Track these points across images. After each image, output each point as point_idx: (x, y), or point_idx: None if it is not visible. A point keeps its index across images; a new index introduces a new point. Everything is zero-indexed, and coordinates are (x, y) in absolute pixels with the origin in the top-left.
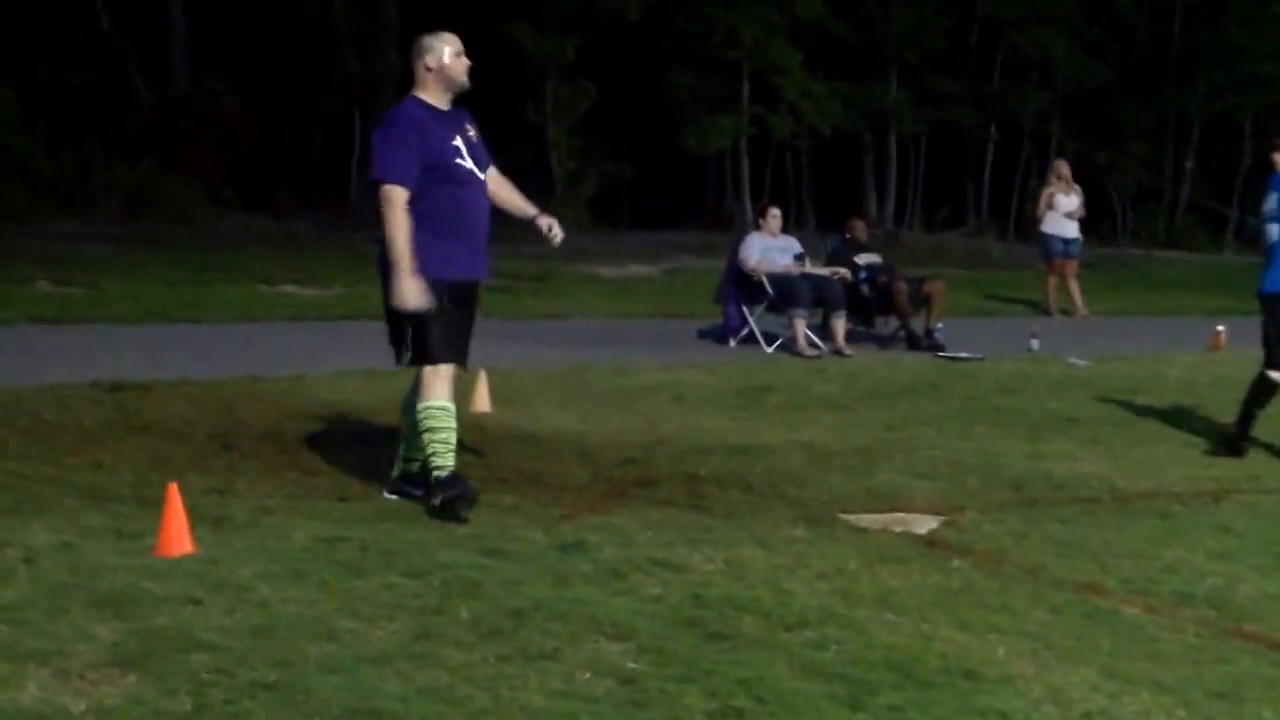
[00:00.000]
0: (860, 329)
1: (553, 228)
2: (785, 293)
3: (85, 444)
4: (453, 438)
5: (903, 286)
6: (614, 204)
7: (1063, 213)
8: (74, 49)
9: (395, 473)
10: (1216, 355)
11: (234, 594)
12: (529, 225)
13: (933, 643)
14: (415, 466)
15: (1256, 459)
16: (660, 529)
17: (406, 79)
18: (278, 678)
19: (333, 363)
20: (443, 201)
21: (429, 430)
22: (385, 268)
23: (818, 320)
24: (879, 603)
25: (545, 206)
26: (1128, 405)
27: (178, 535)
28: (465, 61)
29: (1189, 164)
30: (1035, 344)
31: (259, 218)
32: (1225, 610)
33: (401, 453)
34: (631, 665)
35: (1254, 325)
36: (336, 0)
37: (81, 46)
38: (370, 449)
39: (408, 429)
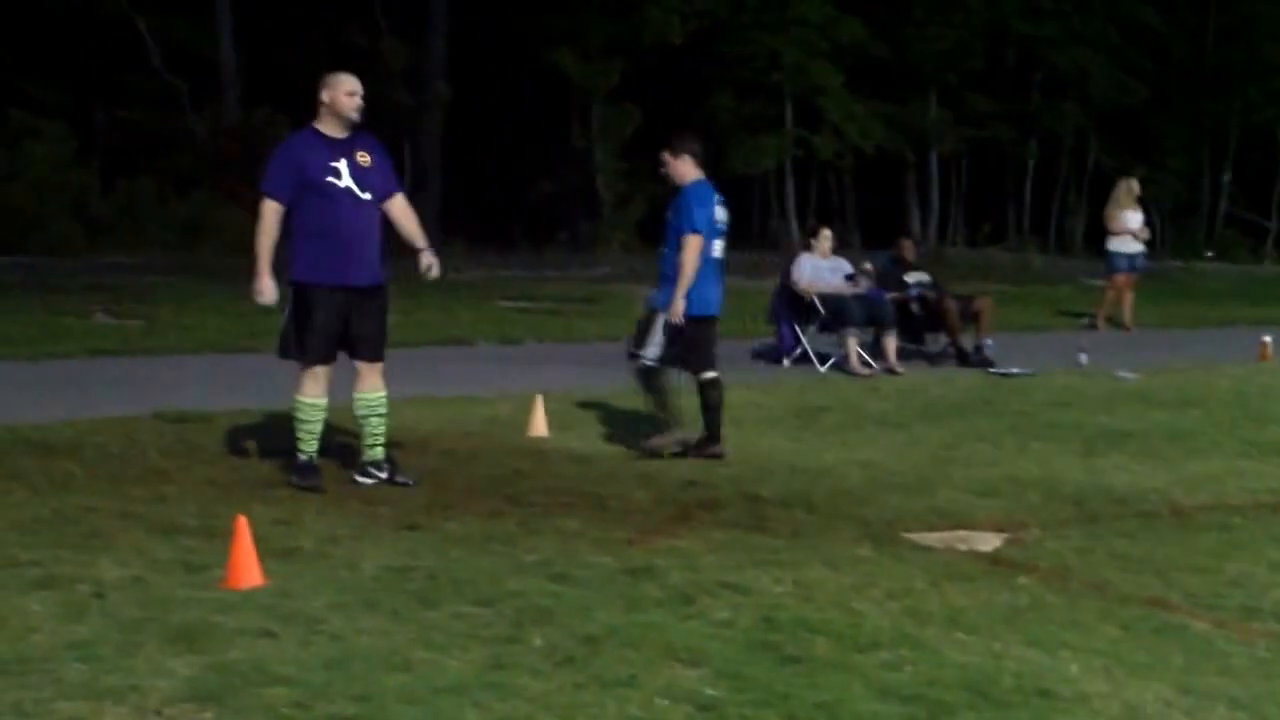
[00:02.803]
0: (910, 347)
1: (431, 268)
2: (837, 312)
3: (150, 476)
4: (318, 429)
5: (951, 304)
6: (661, 226)
7: (1130, 229)
8: (126, 85)
9: (363, 458)
10: (1265, 365)
11: (307, 626)
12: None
13: (1005, 661)
14: (379, 453)
15: None
16: (726, 551)
17: (455, 109)
18: (356, 711)
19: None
20: (314, 215)
21: (298, 421)
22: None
23: (869, 339)
24: (949, 622)
25: (594, 228)
26: (1179, 417)
27: (247, 567)
28: (356, 101)
29: (1226, 177)
30: (1084, 358)
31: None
32: None
33: (364, 442)
34: (709, 691)
35: None
36: (385, 33)
37: (134, 82)
38: (433, 476)
39: (360, 419)
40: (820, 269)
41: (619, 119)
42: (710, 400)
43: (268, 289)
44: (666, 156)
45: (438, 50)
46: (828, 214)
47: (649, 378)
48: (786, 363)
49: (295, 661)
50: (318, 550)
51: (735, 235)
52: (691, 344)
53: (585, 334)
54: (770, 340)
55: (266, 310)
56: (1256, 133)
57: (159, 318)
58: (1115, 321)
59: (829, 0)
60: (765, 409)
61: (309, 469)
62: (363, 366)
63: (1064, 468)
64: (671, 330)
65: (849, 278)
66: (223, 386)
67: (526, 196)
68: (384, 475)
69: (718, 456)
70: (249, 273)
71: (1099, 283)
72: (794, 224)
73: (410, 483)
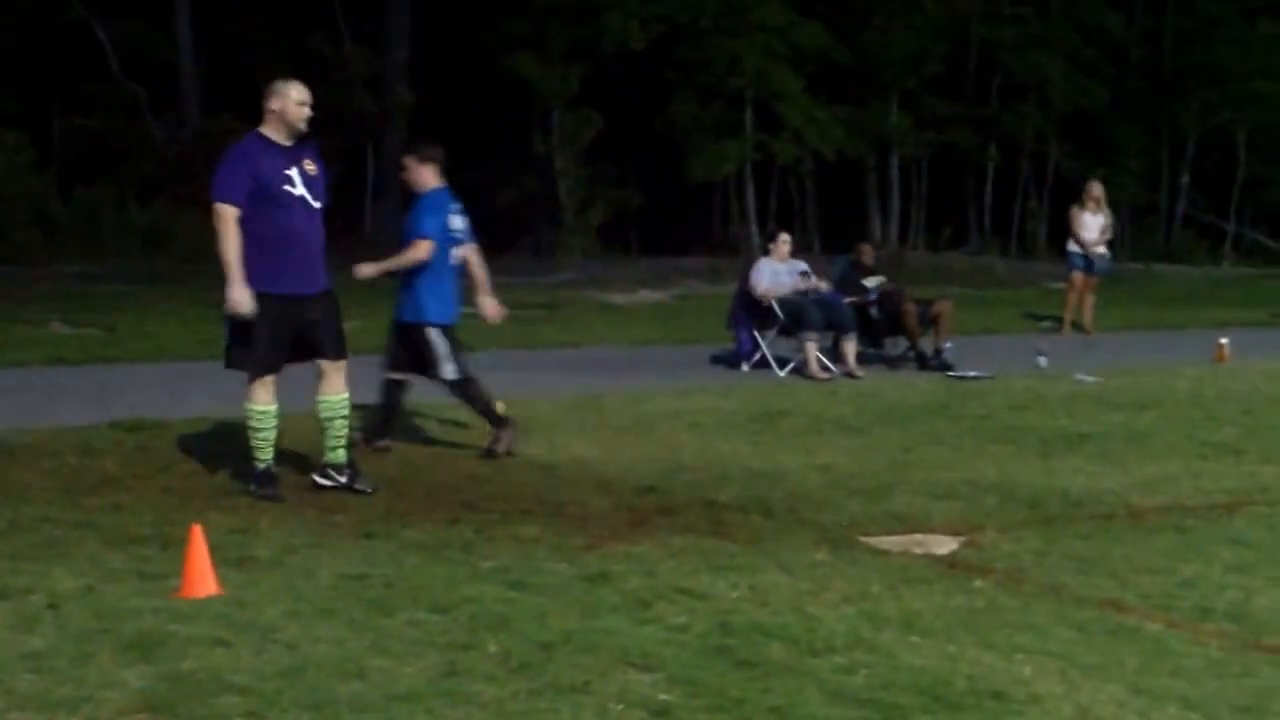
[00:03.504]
0: (870, 351)
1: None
2: (796, 317)
3: (106, 485)
4: (272, 436)
5: (911, 308)
6: (622, 231)
7: (1090, 232)
8: (85, 92)
9: (324, 460)
10: (1221, 367)
11: (262, 635)
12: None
13: (959, 664)
14: (341, 455)
15: (1264, 470)
16: (683, 557)
17: (418, 114)
18: (310, 719)
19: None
20: (269, 223)
21: (251, 429)
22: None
23: (828, 343)
24: (904, 625)
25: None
26: (1137, 420)
27: (202, 576)
28: (305, 110)
29: (1185, 180)
30: (1043, 361)
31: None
32: (1245, 623)
33: (327, 444)
34: (663, 697)
35: (1256, 337)
36: (347, 39)
37: (92, 89)
38: (391, 484)
39: (324, 421)
40: (779, 273)
41: (579, 125)
42: (469, 393)
43: (245, 298)
44: (410, 162)
45: (399, 56)
46: (788, 219)
47: (465, 389)
48: (745, 367)
49: (249, 670)
50: (274, 559)
51: (696, 240)
52: (423, 349)
53: (546, 340)
54: (730, 345)
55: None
56: (1215, 135)
57: (118, 326)
58: (1076, 324)
59: (789, 5)
60: (724, 414)
61: (267, 477)
62: (327, 366)
63: (1021, 470)
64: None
65: (803, 274)
66: (181, 395)
67: (487, 203)
68: (344, 479)
69: (505, 450)
70: (212, 281)
71: (1062, 286)
72: (754, 229)
73: (369, 490)
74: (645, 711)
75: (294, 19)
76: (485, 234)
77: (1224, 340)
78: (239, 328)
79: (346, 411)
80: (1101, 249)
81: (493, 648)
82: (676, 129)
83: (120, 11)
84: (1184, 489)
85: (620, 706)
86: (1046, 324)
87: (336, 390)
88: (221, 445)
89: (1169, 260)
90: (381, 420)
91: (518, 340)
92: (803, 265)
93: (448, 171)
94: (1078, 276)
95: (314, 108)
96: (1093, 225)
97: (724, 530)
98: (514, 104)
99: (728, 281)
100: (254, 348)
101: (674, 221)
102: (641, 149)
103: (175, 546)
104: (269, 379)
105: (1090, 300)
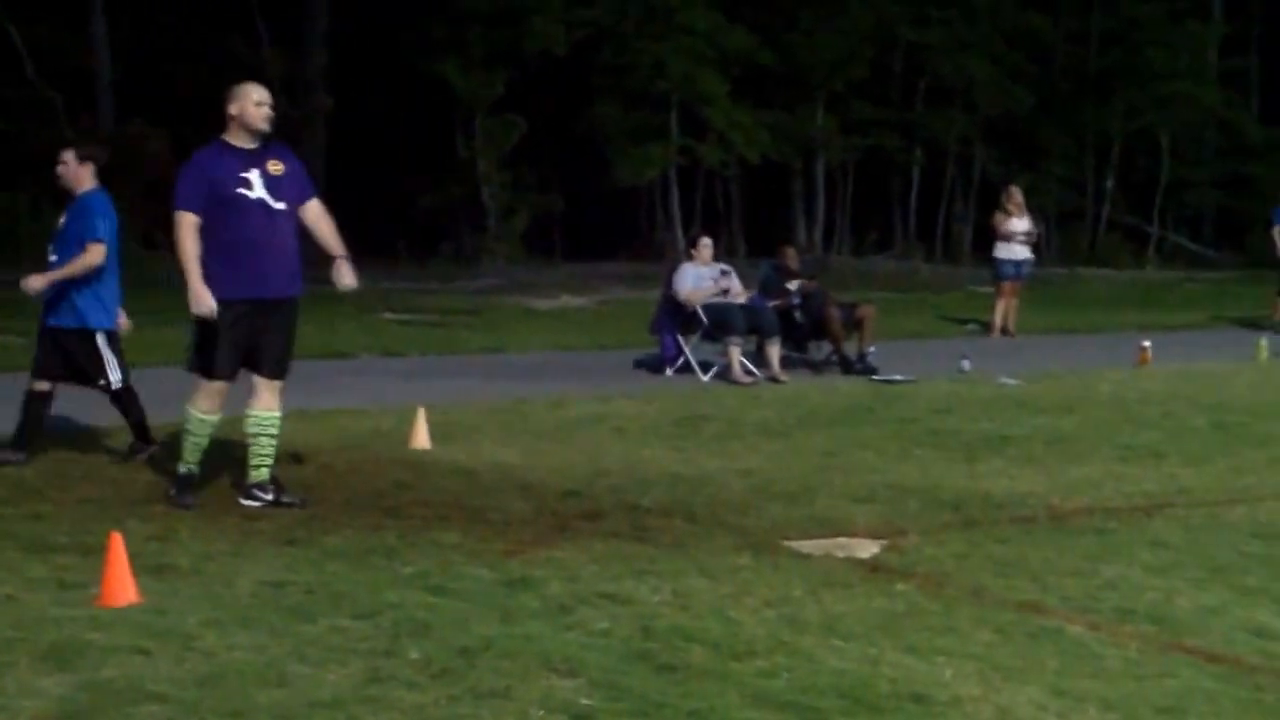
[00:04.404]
0: (793, 355)
1: (344, 277)
2: (719, 321)
3: (23, 494)
4: (204, 444)
5: (834, 312)
6: (546, 236)
7: (1014, 236)
8: (0, 98)
9: (248, 480)
10: (1143, 370)
11: (181, 643)
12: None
13: (880, 667)
14: (265, 474)
15: (1184, 472)
16: (605, 562)
17: (337, 119)
18: None
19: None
20: (226, 228)
21: (186, 433)
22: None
23: (752, 347)
24: (825, 629)
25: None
26: (1059, 423)
27: (121, 584)
28: (265, 110)
29: (1109, 183)
30: (966, 364)
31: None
32: (1165, 625)
33: (251, 463)
34: (584, 701)
35: (1178, 340)
36: (265, 43)
37: (6, 94)
38: (312, 490)
39: (250, 437)
40: (702, 278)
41: (503, 130)
42: (128, 402)
43: (206, 296)
44: (70, 158)
45: (318, 60)
46: (713, 223)
47: (125, 398)
48: (669, 372)
49: (169, 679)
50: (193, 567)
51: (620, 245)
52: (87, 356)
53: (469, 346)
54: (653, 350)
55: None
56: (1139, 138)
57: (33, 332)
58: (1002, 328)
59: (715, 8)
60: (647, 418)
61: (186, 483)
62: (261, 383)
63: (944, 474)
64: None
65: (723, 273)
66: (99, 402)
67: (410, 208)
68: (270, 497)
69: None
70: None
71: (987, 289)
72: (679, 233)
73: (298, 502)
74: (567, 716)
75: (211, 22)
76: (407, 239)
77: (1146, 344)
78: (204, 333)
79: (275, 430)
80: (1026, 252)
81: (414, 654)
82: (601, 133)
83: (35, 15)
84: (1105, 492)
85: (542, 712)
86: (970, 327)
87: (268, 407)
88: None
89: (1093, 264)
90: (20, 434)
91: (440, 345)
92: (723, 266)
93: (369, 177)
94: (1006, 284)
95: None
96: (1017, 228)
97: (646, 535)
98: (436, 108)
99: (651, 286)
100: (212, 355)
101: (598, 226)
102: (565, 153)
103: (95, 555)
104: (219, 387)
105: (1014, 304)
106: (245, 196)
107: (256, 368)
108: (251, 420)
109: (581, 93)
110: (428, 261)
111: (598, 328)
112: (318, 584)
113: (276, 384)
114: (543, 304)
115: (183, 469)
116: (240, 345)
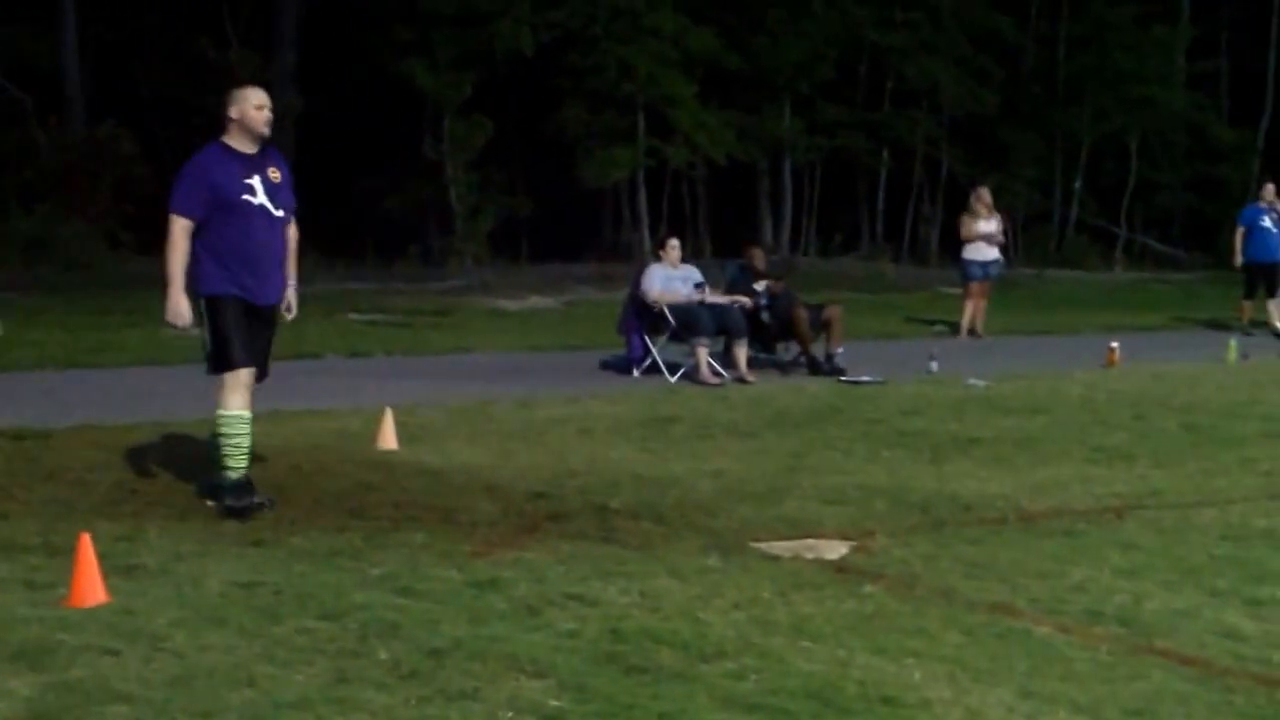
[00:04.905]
0: (761, 356)
1: (289, 308)
2: (687, 322)
3: None
4: (246, 443)
5: (802, 313)
6: (513, 237)
7: (983, 237)
8: None
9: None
10: (1112, 371)
11: (150, 643)
12: None
13: (850, 669)
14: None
15: (1154, 474)
16: (574, 563)
17: (306, 120)
18: None
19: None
20: (229, 233)
21: (224, 437)
22: (194, 289)
23: (719, 348)
24: (794, 631)
25: (446, 241)
26: (1028, 424)
27: (90, 585)
28: (266, 114)
29: (1078, 184)
30: (935, 365)
31: (159, 261)
32: (1134, 627)
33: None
34: (553, 703)
35: (1146, 341)
36: (234, 44)
37: None
38: (280, 491)
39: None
40: (671, 279)
41: (470, 131)
42: None
43: (184, 309)
44: None
45: (287, 61)
46: (680, 224)
47: None
48: (636, 373)
49: (138, 679)
50: (162, 567)
51: (587, 246)
52: None
53: (436, 347)
54: (621, 351)
55: (178, 332)
56: (1107, 140)
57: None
58: (970, 329)
59: (681, 11)
60: (615, 419)
61: (243, 488)
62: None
63: (912, 475)
64: None
65: (699, 286)
66: (65, 403)
67: (378, 208)
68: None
69: None
70: (98, 290)
71: (955, 290)
72: (646, 234)
73: (267, 503)
74: (535, 718)
75: (180, 23)
76: (375, 240)
77: (1115, 345)
78: (216, 332)
79: (232, 431)
80: (994, 253)
81: (382, 655)
82: (568, 135)
83: (3, 17)
84: (1074, 493)
85: (510, 713)
86: (938, 328)
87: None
88: (106, 453)
89: (1061, 265)
90: None
91: (408, 346)
92: (698, 276)
93: (339, 177)
94: (974, 286)
95: (200, 113)
96: (986, 230)
97: (614, 536)
98: (404, 110)
99: (618, 287)
100: (227, 348)
101: (565, 228)
102: (533, 155)
103: (63, 555)
104: (244, 381)
105: (982, 305)
106: (249, 203)
107: None
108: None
109: (549, 94)
110: (395, 262)
111: (565, 328)
112: (285, 584)
113: (252, 385)
114: (510, 305)
115: (232, 475)
116: (251, 335)
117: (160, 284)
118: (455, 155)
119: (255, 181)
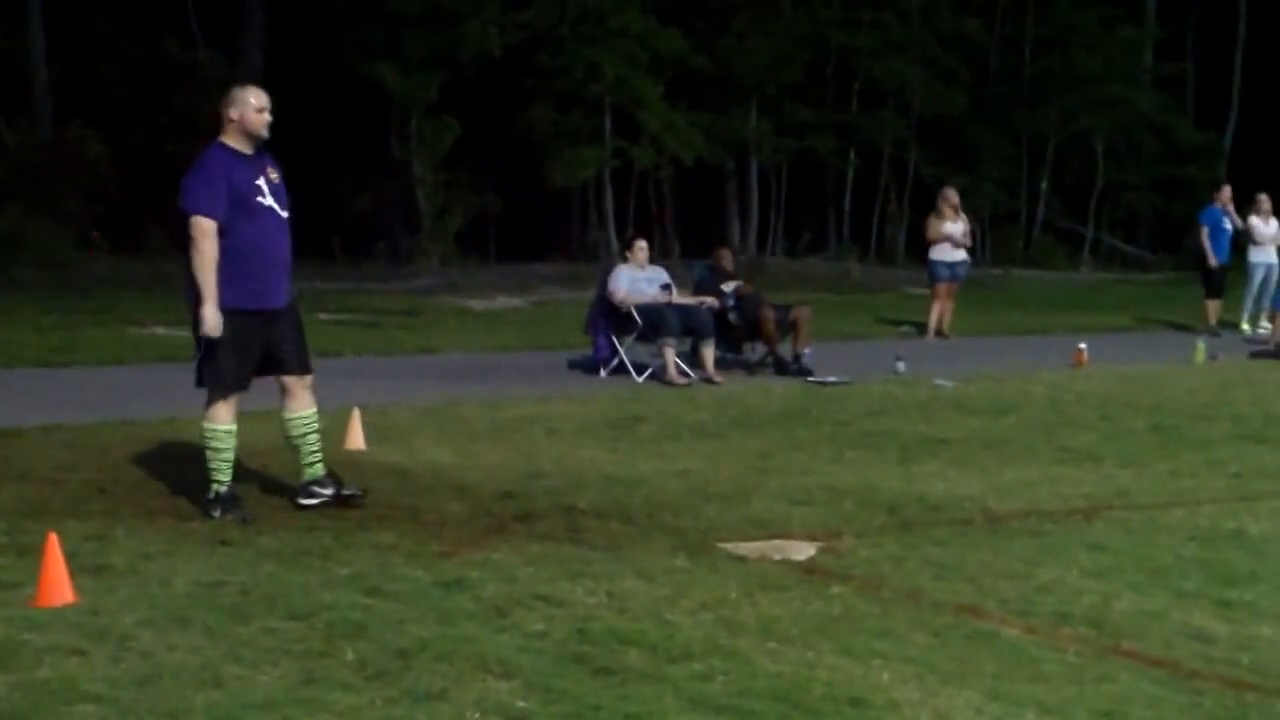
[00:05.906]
0: (728, 356)
1: None
2: (654, 322)
3: None
4: (231, 457)
5: (769, 313)
6: (481, 237)
7: (950, 238)
8: None
9: (302, 480)
10: (1079, 372)
11: (117, 643)
12: None
13: (817, 671)
14: (320, 470)
15: (1122, 475)
16: (541, 563)
17: (273, 120)
18: None
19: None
20: (242, 236)
21: (211, 450)
22: (194, 296)
23: (686, 348)
24: (762, 632)
25: (413, 241)
26: (995, 425)
27: (58, 584)
28: (266, 116)
29: (1044, 185)
30: (902, 366)
31: (128, 261)
32: (1103, 628)
33: (303, 462)
34: (520, 704)
35: (1113, 342)
36: (201, 44)
37: None
38: (246, 491)
39: (296, 440)
40: (637, 280)
41: (438, 131)
42: None
43: (217, 320)
44: None
45: (254, 62)
46: (647, 225)
47: None
48: (603, 373)
49: (105, 679)
50: (129, 567)
51: (555, 247)
52: None
53: (404, 346)
54: (588, 351)
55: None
56: (1074, 141)
57: None
58: (937, 330)
59: (648, 12)
60: (582, 419)
61: (232, 499)
62: (292, 383)
63: (880, 476)
64: None
65: (665, 288)
66: (34, 402)
67: (345, 208)
68: (329, 493)
69: None
70: (63, 289)
71: (922, 291)
72: (613, 235)
73: (360, 494)
74: (502, 718)
75: (147, 24)
76: (342, 239)
77: (1082, 345)
78: (211, 343)
79: (317, 426)
80: (961, 254)
81: (350, 655)
82: (535, 135)
83: None
84: (1042, 494)
85: (478, 714)
86: (905, 329)
87: (305, 406)
88: (75, 453)
89: (1028, 266)
90: None
91: (375, 346)
92: (665, 277)
93: (304, 177)
94: (941, 287)
95: (168, 113)
96: (953, 232)
97: (582, 537)
98: (371, 110)
99: (586, 287)
100: (222, 365)
101: (532, 228)
102: (500, 155)
103: (31, 555)
104: (233, 397)
105: (949, 305)
106: (262, 204)
107: (284, 370)
108: (293, 423)
109: (516, 95)
110: (362, 262)
111: (533, 328)
112: (253, 584)
113: (308, 379)
114: (477, 304)
115: (221, 487)
116: (252, 354)
117: (188, 294)
118: (423, 155)
119: (262, 183)
